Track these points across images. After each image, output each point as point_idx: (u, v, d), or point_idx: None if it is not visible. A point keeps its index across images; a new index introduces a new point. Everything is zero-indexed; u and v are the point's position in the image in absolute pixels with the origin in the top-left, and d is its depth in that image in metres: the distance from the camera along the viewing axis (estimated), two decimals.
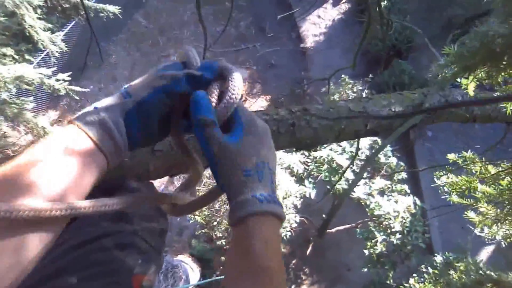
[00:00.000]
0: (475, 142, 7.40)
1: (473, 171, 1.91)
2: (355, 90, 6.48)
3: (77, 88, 5.18)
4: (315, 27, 8.77)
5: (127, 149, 0.70)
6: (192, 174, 0.92)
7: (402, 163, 5.39)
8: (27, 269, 0.55)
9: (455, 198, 2.02)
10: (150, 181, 1.08)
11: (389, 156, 5.32)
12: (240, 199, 0.67)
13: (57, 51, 5.27)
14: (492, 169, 1.86)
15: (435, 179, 2.12)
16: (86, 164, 0.61)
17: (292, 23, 8.80)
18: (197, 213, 5.44)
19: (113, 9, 5.86)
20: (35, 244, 0.55)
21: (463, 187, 1.93)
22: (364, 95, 6.70)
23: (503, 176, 1.78)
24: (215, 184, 0.78)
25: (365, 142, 5.15)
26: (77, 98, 5.49)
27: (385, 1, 7.77)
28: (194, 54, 0.77)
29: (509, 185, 1.78)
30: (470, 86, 1.44)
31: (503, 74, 1.26)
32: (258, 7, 9.00)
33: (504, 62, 1.20)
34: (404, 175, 5.37)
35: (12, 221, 0.51)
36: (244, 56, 8.57)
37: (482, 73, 1.29)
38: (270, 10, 8.94)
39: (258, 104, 7.84)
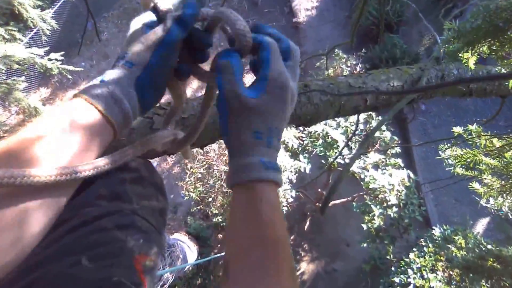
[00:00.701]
0: (467, 115, 7.44)
1: (478, 144, 1.91)
2: (349, 64, 6.50)
3: (70, 67, 5.11)
4: (306, 1, 8.69)
5: (136, 117, 0.70)
6: (174, 104, 0.87)
7: (395, 137, 5.40)
8: (30, 245, 0.54)
9: (459, 170, 2.03)
10: (148, 160, 1.02)
11: (383, 130, 5.33)
12: (246, 161, 0.64)
13: (47, 29, 5.19)
14: (497, 143, 1.86)
15: (439, 152, 2.14)
16: (92, 136, 0.60)
17: None
18: (191, 189, 5.41)
19: None
20: (38, 217, 0.54)
21: (468, 160, 1.94)
22: (358, 69, 6.74)
23: (508, 149, 1.79)
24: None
25: (360, 116, 5.15)
26: (70, 77, 5.45)
27: None
28: None
29: None
30: (470, 60, 1.44)
31: (506, 48, 1.25)
32: None
33: (506, 36, 1.19)
34: (397, 149, 5.39)
35: (14, 190, 0.50)
36: None
37: (484, 47, 1.28)
38: None
39: (251, 78, 7.80)
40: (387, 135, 5.33)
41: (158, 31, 0.67)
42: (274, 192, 0.64)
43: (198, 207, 5.87)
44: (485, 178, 2.01)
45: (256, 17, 8.47)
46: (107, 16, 7.98)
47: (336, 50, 6.39)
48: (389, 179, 4.94)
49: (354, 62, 6.65)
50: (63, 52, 5.07)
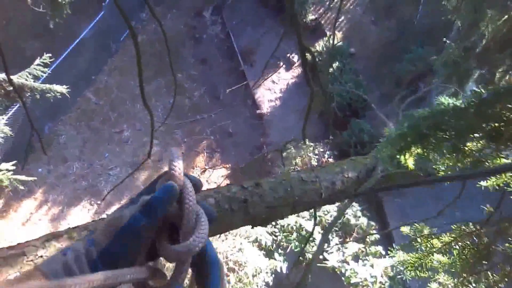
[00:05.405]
0: (444, 195, 7.33)
1: (422, 246, 1.94)
2: (316, 152, 6.48)
3: (23, 177, 5.01)
4: (270, 92, 8.87)
5: None
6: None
7: (372, 223, 5.30)
8: None
9: (411, 273, 2.01)
10: None
11: (359, 217, 5.27)
12: None
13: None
14: (438, 243, 1.87)
15: (389, 258, 2.13)
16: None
17: (246, 90, 8.88)
18: None
19: (61, 89, 5.69)
20: None
21: (416, 264, 1.93)
22: (326, 156, 6.72)
23: (454, 245, 1.81)
24: None
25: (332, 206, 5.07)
26: (22, 187, 5.28)
27: (337, 62, 8.00)
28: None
29: (459, 254, 1.83)
30: (409, 161, 1.49)
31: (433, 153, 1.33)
32: (211, 76, 9.06)
33: (431, 142, 1.26)
34: (376, 235, 5.25)
35: None
36: (200, 127, 8.56)
37: (418, 150, 1.35)
38: (223, 78, 9.01)
39: (219, 173, 7.80)
40: (364, 221, 5.27)
41: (125, 215, 0.69)
42: None
43: None
44: (438, 278, 2.04)
45: (219, 110, 8.54)
46: (65, 119, 7.91)
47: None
48: (371, 270, 4.76)
49: (321, 150, 6.69)
50: (15, 162, 5.01)
